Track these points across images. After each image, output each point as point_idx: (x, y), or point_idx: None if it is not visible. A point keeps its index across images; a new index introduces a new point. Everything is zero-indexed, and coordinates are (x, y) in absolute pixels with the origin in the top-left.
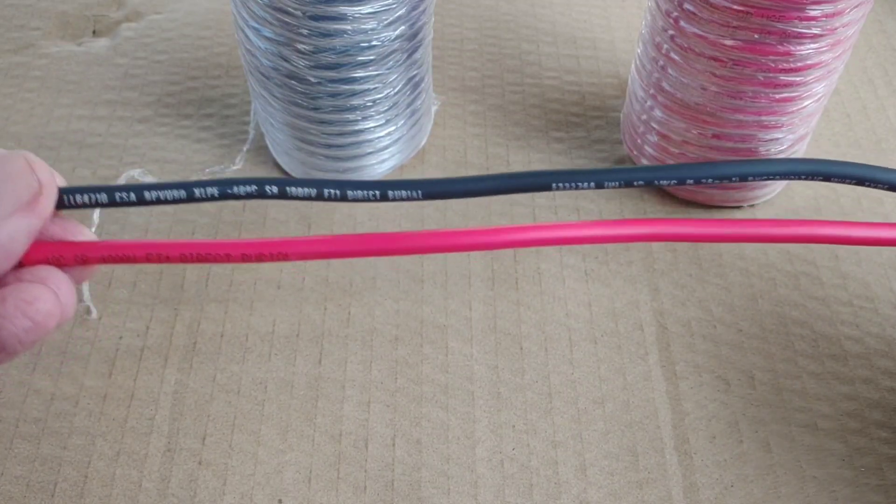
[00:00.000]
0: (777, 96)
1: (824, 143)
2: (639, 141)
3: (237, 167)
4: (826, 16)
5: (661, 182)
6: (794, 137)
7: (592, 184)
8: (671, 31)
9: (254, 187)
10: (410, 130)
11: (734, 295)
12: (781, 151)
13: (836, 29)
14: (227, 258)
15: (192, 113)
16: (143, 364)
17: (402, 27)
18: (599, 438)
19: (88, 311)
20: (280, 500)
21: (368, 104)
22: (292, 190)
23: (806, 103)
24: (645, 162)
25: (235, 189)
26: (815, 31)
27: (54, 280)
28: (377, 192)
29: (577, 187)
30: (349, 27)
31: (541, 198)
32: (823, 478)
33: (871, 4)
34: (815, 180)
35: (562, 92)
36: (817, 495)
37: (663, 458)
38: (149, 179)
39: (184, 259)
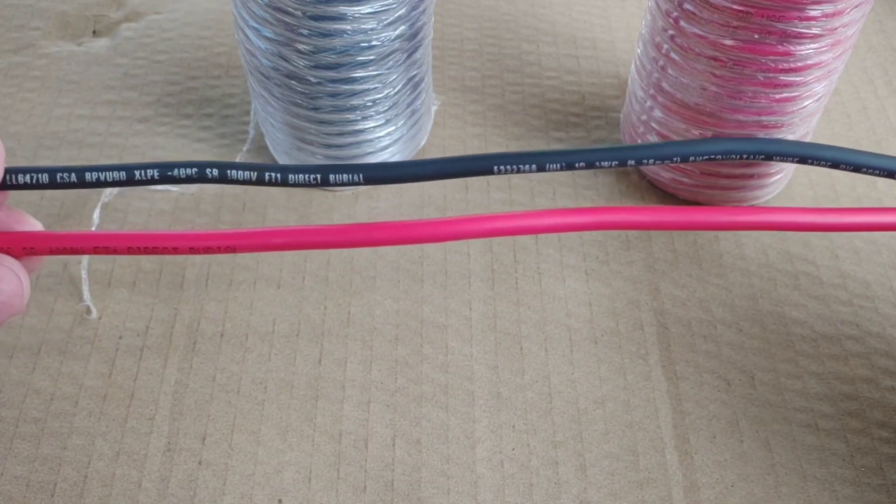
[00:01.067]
0: (777, 96)
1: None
2: (639, 141)
3: None
4: (826, 16)
5: (602, 164)
6: (793, 138)
7: (534, 166)
8: (671, 31)
9: (194, 170)
10: (410, 130)
11: (735, 295)
12: None
13: (836, 29)
14: (175, 251)
15: (192, 113)
16: (143, 364)
17: (402, 27)
18: (599, 438)
19: (88, 311)
20: (280, 500)
21: (368, 104)
22: (233, 174)
23: (806, 103)
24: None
25: (177, 172)
26: (815, 31)
27: (10, 264)
28: (318, 177)
29: (518, 170)
30: (349, 27)
31: (540, 197)
32: (824, 477)
33: (871, 4)
34: (758, 160)
35: (562, 92)
36: (818, 495)
37: (664, 457)
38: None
39: (131, 251)
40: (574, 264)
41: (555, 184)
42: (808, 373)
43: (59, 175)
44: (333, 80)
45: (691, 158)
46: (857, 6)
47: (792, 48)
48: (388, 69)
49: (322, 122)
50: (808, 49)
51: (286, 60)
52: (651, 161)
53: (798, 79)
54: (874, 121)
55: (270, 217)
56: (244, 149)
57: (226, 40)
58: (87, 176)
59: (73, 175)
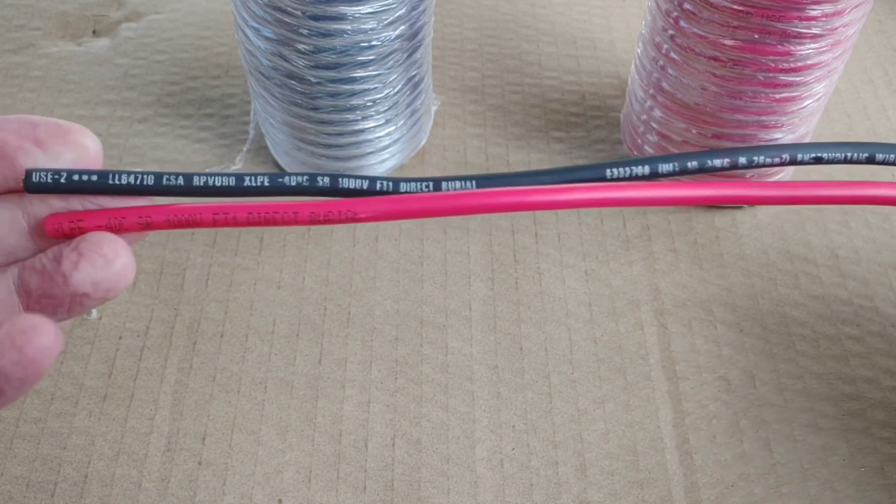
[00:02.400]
0: (777, 96)
1: None
2: (639, 141)
3: (237, 167)
4: (826, 16)
5: (713, 162)
6: (793, 137)
7: (647, 168)
8: (671, 31)
9: (305, 178)
10: (410, 130)
11: (735, 295)
12: None
13: (836, 29)
14: (295, 217)
15: (192, 113)
16: (143, 364)
17: (402, 27)
18: (599, 438)
19: (88, 312)
20: (280, 500)
21: (368, 104)
22: (344, 182)
23: (806, 103)
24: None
25: (287, 180)
26: (815, 31)
27: (109, 245)
28: (430, 185)
29: (631, 175)
30: (349, 27)
31: None
32: (826, 477)
33: (871, 4)
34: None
35: (562, 92)
36: (820, 495)
37: (664, 457)
38: None
39: (251, 221)
40: (574, 264)
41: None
42: (809, 373)
43: (164, 178)
44: (333, 80)
45: (798, 157)
46: (857, 6)
47: (792, 48)
48: (388, 69)
49: (322, 122)
50: (808, 49)
51: (286, 60)
52: (762, 159)
53: (798, 79)
54: (874, 121)
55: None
56: (244, 149)
57: (226, 40)
58: (196, 180)
59: (181, 178)
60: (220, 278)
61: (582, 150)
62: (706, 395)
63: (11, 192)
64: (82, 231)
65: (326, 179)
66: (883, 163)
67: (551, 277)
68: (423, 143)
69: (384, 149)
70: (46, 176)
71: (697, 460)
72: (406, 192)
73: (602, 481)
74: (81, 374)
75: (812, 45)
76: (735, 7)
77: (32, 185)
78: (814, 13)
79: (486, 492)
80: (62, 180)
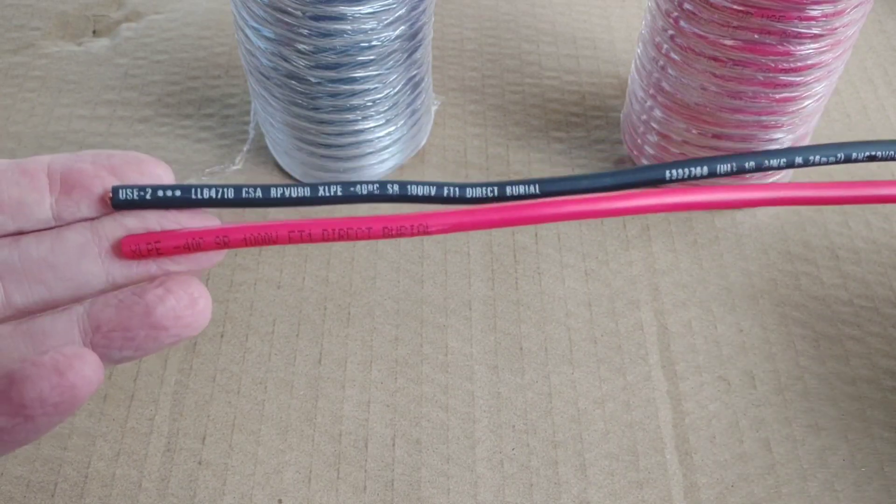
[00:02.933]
0: (777, 96)
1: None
2: (639, 141)
3: (237, 167)
4: (826, 16)
5: (770, 162)
6: (793, 137)
7: (706, 169)
8: (671, 31)
9: (376, 186)
10: (410, 130)
11: (735, 295)
12: None
13: (836, 29)
14: (369, 232)
15: (192, 113)
16: (143, 364)
17: (402, 27)
18: (599, 438)
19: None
20: (280, 500)
21: (368, 104)
22: (413, 189)
23: (806, 103)
24: (645, 162)
25: (359, 188)
26: (815, 31)
27: (195, 285)
28: (495, 190)
29: (690, 175)
30: (349, 27)
31: None
32: (826, 477)
33: (871, 4)
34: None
35: (562, 92)
36: (819, 495)
37: (663, 457)
38: None
39: (326, 237)
40: (574, 264)
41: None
42: (809, 373)
43: (244, 190)
44: (333, 80)
45: (854, 155)
46: (857, 6)
47: (792, 48)
48: (388, 69)
49: (322, 122)
50: (808, 49)
51: (286, 60)
52: (818, 159)
53: (798, 79)
54: (874, 121)
55: (271, 216)
56: (244, 149)
57: (226, 40)
58: (273, 192)
59: (259, 191)
60: (220, 278)
61: (582, 150)
62: (706, 395)
63: (85, 219)
64: (160, 252)
65: (396, 187)
66: None
67: (551, 277)
68: (423, 143)
69: (384, 149)
70: (133, 192)
71: (697, 460)
72: (473, 198)
73: (602, 481)
74: None
75: (812, 45)
76: (735, 7)
77: (119, 202)
78: (814, 13)
79: (486, 492)
80: (147, 196)
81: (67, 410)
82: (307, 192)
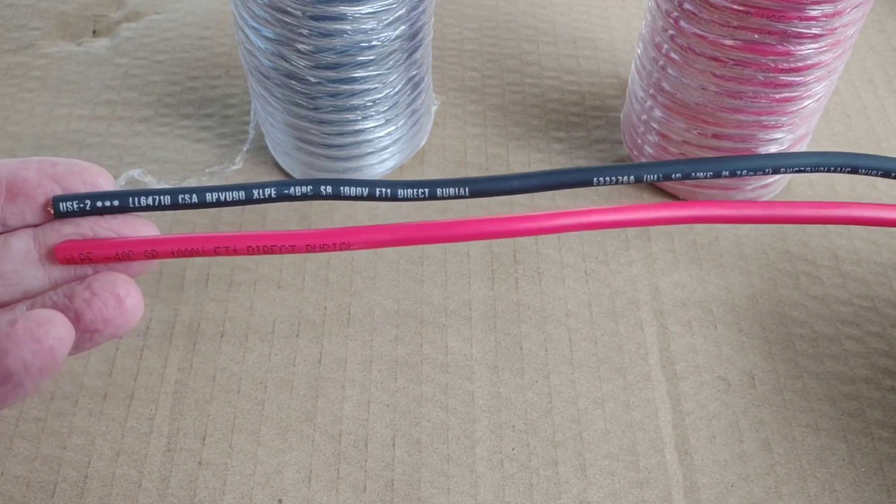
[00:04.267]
0: (777, 96)
1: (824, 143)
2: (639, 141)
3: (237, 167)
4: (826, 16)
5: (698, 175)
6: (793, 137)
7: (632, 177)
8: (671, 31)
9: (309, 188)
10: (410, 130)
11: (734, 295)
12: (781, 151)
13: (836, 29)
14: (292, 249)
15: (192, 113)
16: (143, 364)
17: (402, 27)
18: (599, 438)
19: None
20: (280, 500)
21: (368, 104)
22: (346, 190)
23: (806, 103)
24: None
25: (293, 190)
26: (815, 31)
27: (121, 284)
28: (426, 191)
29: (616, 181)
30: (349, 27)
31: (539, 197)
32: (825, 477)
33: (871, 4)
34: (843, 172)
35: (562, 92)
36: (819, 495)
37: (664, 457)
38: (149, 180)
39: (251, 251)
40: (574, 264)
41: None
42: (809, 373)
43: (180, 196)
44: (333, 80)
45: (782, 170)
46: (857, 6)
47: (792, 48)
48: (388, 69)
49: (322, 122)
50: (808, 49)
51: (286, 60)
52: (745, 172)
53: (798, 79)
54: (874, 121)
55: (271, 217)
56: (244, 149)
57: (226, 40)
58: (209, 196)
59: (195, 196)
60: (220, 278)
61: (582, 150)
62: (706, 395)
63: (28, 226)
64: (91, 260)
65: (329, 188)
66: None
67: (551, 277)
68: (423, 143)
69: (384, 149)
70: (73, 204)
71: (697, 460)
72: (404, 198)
73: (602, 481)
74: (81, 373)
75: (812, 45)
76: (735, 7)
77: (60, 214)
78: (814, 13)
79: (486, 492)
80: (87, 207)
81: (52, 369)
82: (242, 195)
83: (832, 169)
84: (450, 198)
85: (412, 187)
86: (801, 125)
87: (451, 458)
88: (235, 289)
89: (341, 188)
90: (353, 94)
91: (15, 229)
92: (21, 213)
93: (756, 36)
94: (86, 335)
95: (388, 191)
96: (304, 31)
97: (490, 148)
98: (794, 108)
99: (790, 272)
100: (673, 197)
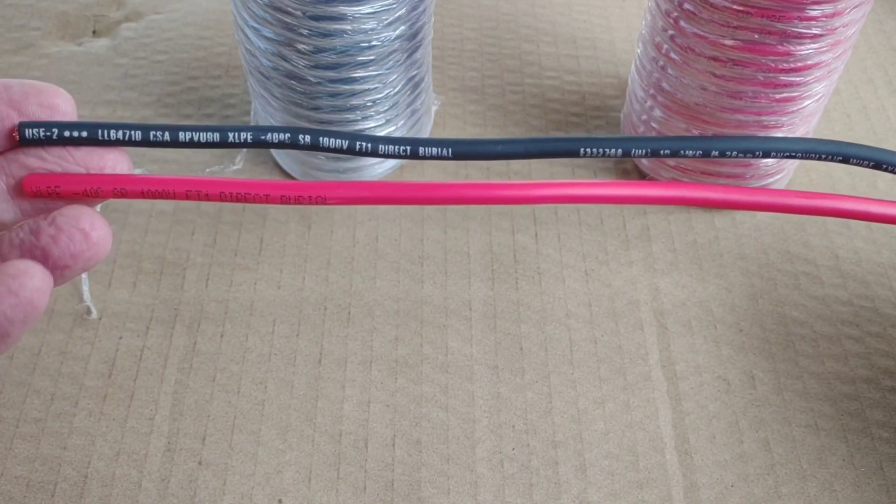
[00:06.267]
0: (777, 96)
1: None
2: None
3: (237, 167)
4: (826, 16)
5: (686, 153)
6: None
7: (620, 151)
8: (671, 31)
9: (287, 135)
10: (410, 130)
11: (734, 295)
12: None
13: (836, 29)
14: (266, 199)
15: (192, 113)
16: (143, 364)
17: (402, 27)
18: (599, 438)
19: (88, 311)
20: (280, 500)
21: (368, 104)
22: (325, 141)
23: (806, 103)
24: (645, 162)
25: (270, 136)
26: (815, 31)
27: (86, 218)
28: (407, 149)
29: (604, 154)
30: (349, 27)
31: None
32: (824, 478)
33: (871, 4)
34: (834, 161)
35: (562, 92)
36: (818, 495)
37: (664, 457)
38: None
39: (223, 197)
40: (574, 264)
41: (553, 175)
42: (808, 373)
43: (152, 133)
44: (333, 80)
45: (772, 155)
46: (857, 6)
47: (792, 48)
48: (388, 69)
49: (322, 122)
50: (808, 49)
51: (286, 60)
52: (734, 154)
53: (798, 79)
54: (874, 121)
55: (271, 216)
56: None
57: (226, 40)
58: (181, 135)
59: (167, 133)
60: (220, 278)
61: None
62: (706, 395)
63: None
64: (59, 195)
65: (307, 137)
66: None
67: (551, 277)
68: None
69: None
70: (39, 132)
71: (697, 460)
72: (385, 154)
73: (602, 481)
74: (81, 374)
75: (812, 45)
76: (735, 7)
77: (26, 140)
78: (814, 13)
79: (486, 492)
80: (53, 136)
81: (33, 318)
82: (216, 136)
83: (823, 157)
84: (432, 158)
85: (393, 144)
86: (801, 125)
87: (451, 458)
88: (235, 289)
89: (320, 138)
90: (353, 94)
91: None
92: None
93: (756, 36)
94: (56, 271)
95: (369, 145)
96: (304, 31)
97: None
98: (794, 108)
99: (790, 272)
100: None
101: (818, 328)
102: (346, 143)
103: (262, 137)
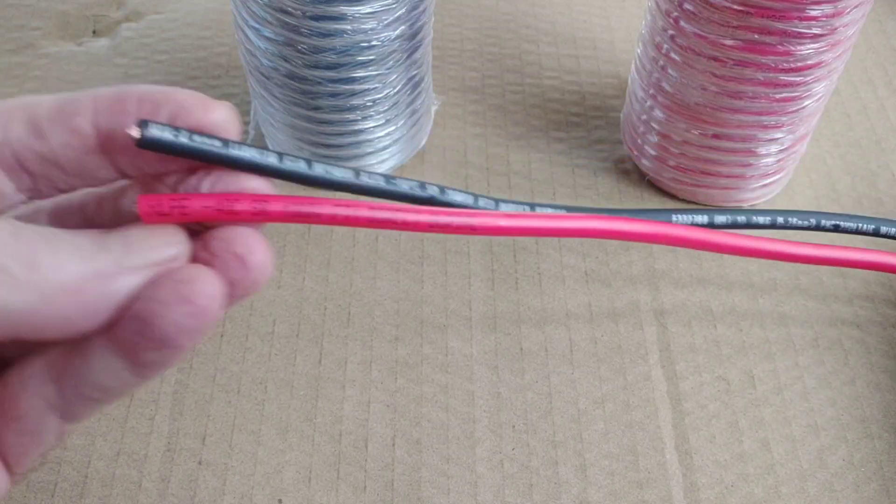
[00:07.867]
0: (777, 96)
1: (824, 143)
2: (639, 141)
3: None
4: (826, 16)
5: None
6: (793, 137)
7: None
8: (671, 31)
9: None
10: (410, 130)
11: (734, 295)
12: (781, 151)
13: (836, 29)
14: (415, 224)
15: None
16: None
17: (402, 27)
18: (599, 438)
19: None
20: (280, 500)
21: (368, 104)
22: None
23: (806, 103)
24: (645, 162)
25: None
26: (816, 31)
27: (243, 242)
28: (526, 208)
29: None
30: (349, 27)
31: (540, 196)
32: (825, 478)
33: (871, 4)
34: None
35: (562, 92)
36: (818, 495)
37: (664, 457)
38: None
39: (371, 222)
40: (574, 264)
41: (555, 184)
42: (808, 373)
43: (285, 159)
44: (333, 80)
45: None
46: (857, 6)
47: (792, 48)
48: (388, 69)
49: (322, 122)
50: (808, 49)
51: (286, 60)
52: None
53: (798, 79)
54: (874, 121)
55: None
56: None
57: (226, 40)
58: (316, 168)
59: (302, 163)
60: None
61: (582, 150)
62: (706, 394)
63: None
64: (185, 216)
65: (435, 189)
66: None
67: (551, 277)
68: (423, 143)
69: (384, 149)
70: (163, 130)
71: (697, 460)
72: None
73: (602, 481)
74: None
75: (812, 45)
76: (735, 7)
77: (147, 140)
78: (814, 13)
79: (486, 492)
80: (182, 139)
81: (208, 329)
82: (350, 176)
83: None
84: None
85: (514, 203)
86: (801, 125)
87: (451, 458)
88: None
89: (446, 192)
90: (353, 94)
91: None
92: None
93: (756, 36)
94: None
95: (493, 203)
96: (305, 31)
97: (490, 148)
98: (794, 108)
99: (790, 271)
100: (672, 196)
101: (818, 328)
102: (470, 199)
103: (393, 183)
